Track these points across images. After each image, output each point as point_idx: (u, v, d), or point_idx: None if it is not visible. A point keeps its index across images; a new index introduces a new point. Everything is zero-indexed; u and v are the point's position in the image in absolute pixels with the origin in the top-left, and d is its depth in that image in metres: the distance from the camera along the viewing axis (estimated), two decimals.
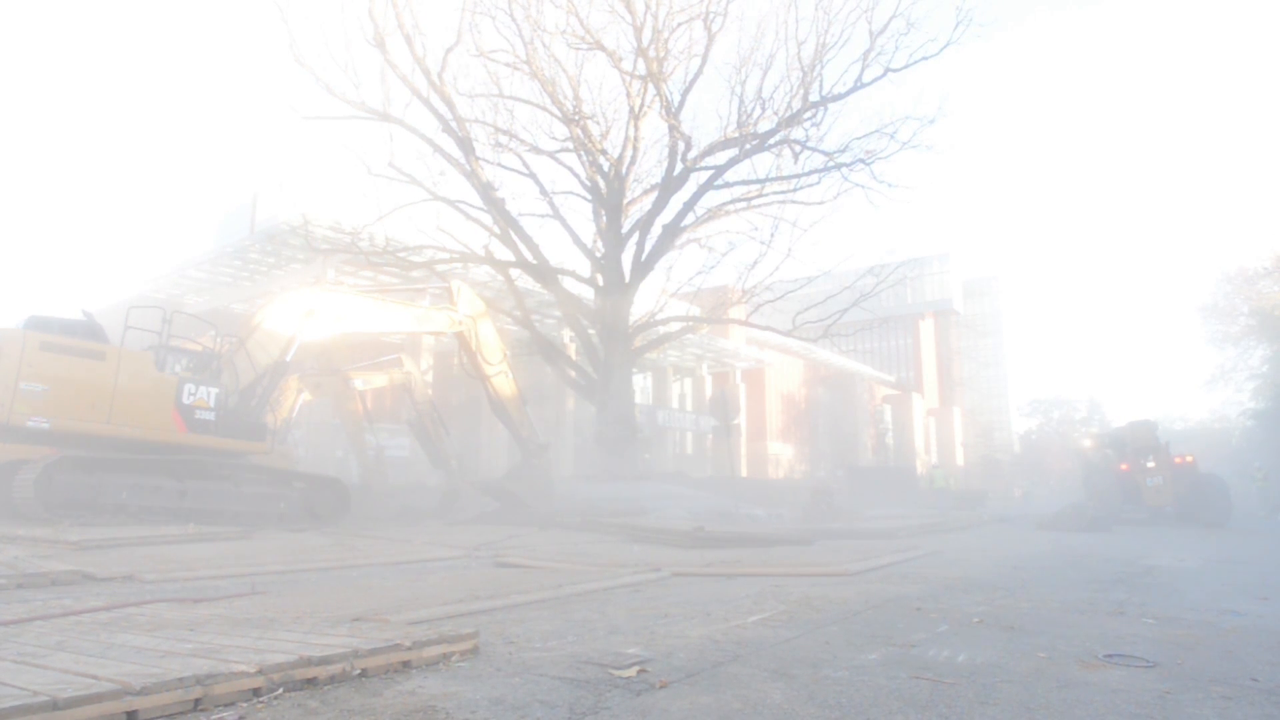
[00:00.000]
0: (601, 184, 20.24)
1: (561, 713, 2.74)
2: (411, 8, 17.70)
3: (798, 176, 20.14)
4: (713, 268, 22.49)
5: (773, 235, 21.24)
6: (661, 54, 18.69)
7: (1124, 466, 20.59)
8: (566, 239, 20.67)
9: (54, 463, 10.16)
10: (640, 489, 16.99)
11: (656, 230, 19.87)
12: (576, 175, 20.78)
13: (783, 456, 36.53)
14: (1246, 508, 24.40)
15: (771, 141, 19.39)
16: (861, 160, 19.04)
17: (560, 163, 20.77)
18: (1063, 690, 3.18)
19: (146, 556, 7.54)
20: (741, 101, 19.31)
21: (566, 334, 24.31)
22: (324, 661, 3.04)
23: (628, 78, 19.46)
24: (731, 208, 20.85)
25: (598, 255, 20.41)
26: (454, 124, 18.54)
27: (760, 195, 20.74)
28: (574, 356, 23.20)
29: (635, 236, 19.99)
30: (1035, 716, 2.82)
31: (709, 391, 31.68)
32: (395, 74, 17.89)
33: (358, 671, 3.13)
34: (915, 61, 18.27)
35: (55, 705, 2.31)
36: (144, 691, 2.51)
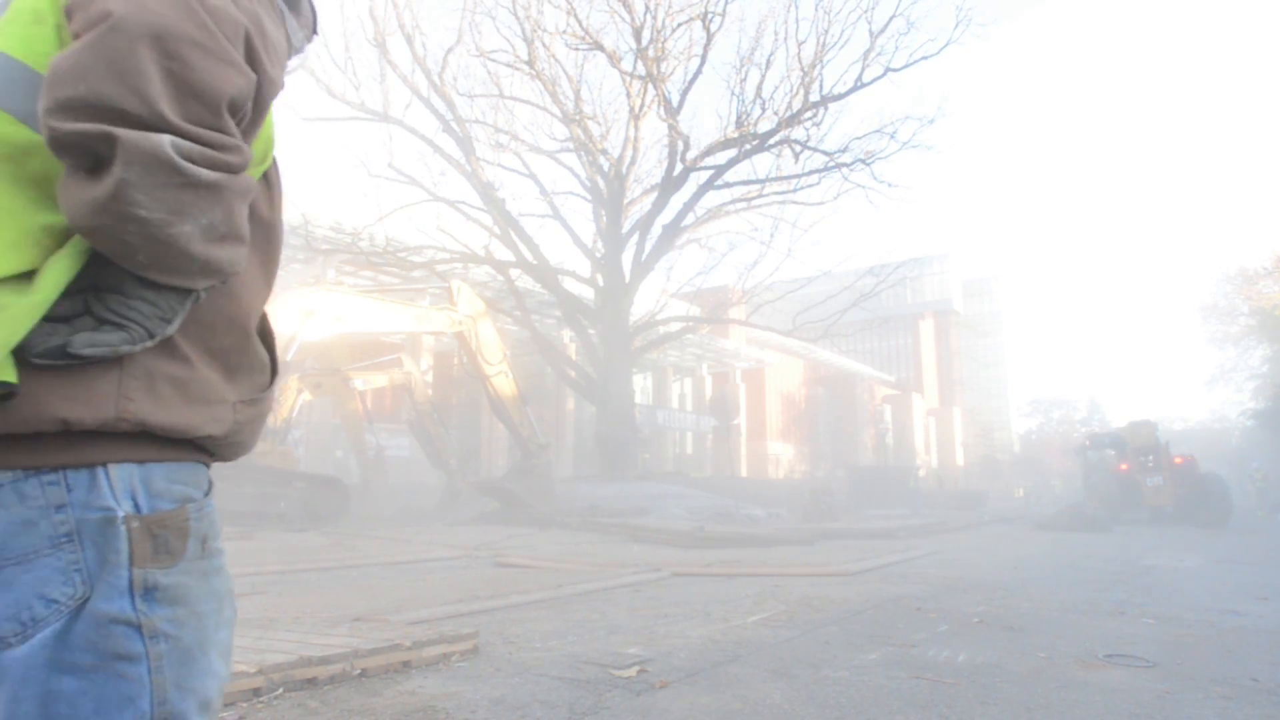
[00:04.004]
0: (601, 184, 20.25)
1: (561, 713, 2.74)
2: (411, 8, 17.74)
3: (798, 176, 20.16)
4: (713, 268, 22.53)
5: (773, 235, 21.28)
6: (660, 54, 18.70)
7: (1124, 466, 20.58)
8: (566, 239, 20.70)
9: None
10: (640, 489, 16.99)
11: (656, 230, 19.88)
12: (576, 175, 20.81)
13: (783, 456, 36.53)
14: (1245, 508, 24.39)
15: (771, 142, 19.39)
16: (861, 160, 19.04)
17: (560, 163, 20.80)
18: (1063, 690, 3.18)
19: None
20: (741, 101, 19.32)
21: (566, 334, 24.32)
22: (324, 661, 3.04)
23: (627, 78, 19.47)
24: (731, 208, 20.87)
25: (598, 255, 20.42)
26: (454, 124, 18.56)
27: (760, 195, 20.75)
28: (574, 356, 23.21)
29: (635, 237, 20.01)
30: (1035, 716, 2.82)
31: (709, 391, 31.68)
32: (395, 74, 17.92)
33: (358, 671, 3.13)
34: (915, 61, 18.28)
35: None
36: None
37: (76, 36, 0.69)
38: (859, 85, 18.54)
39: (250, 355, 0.90)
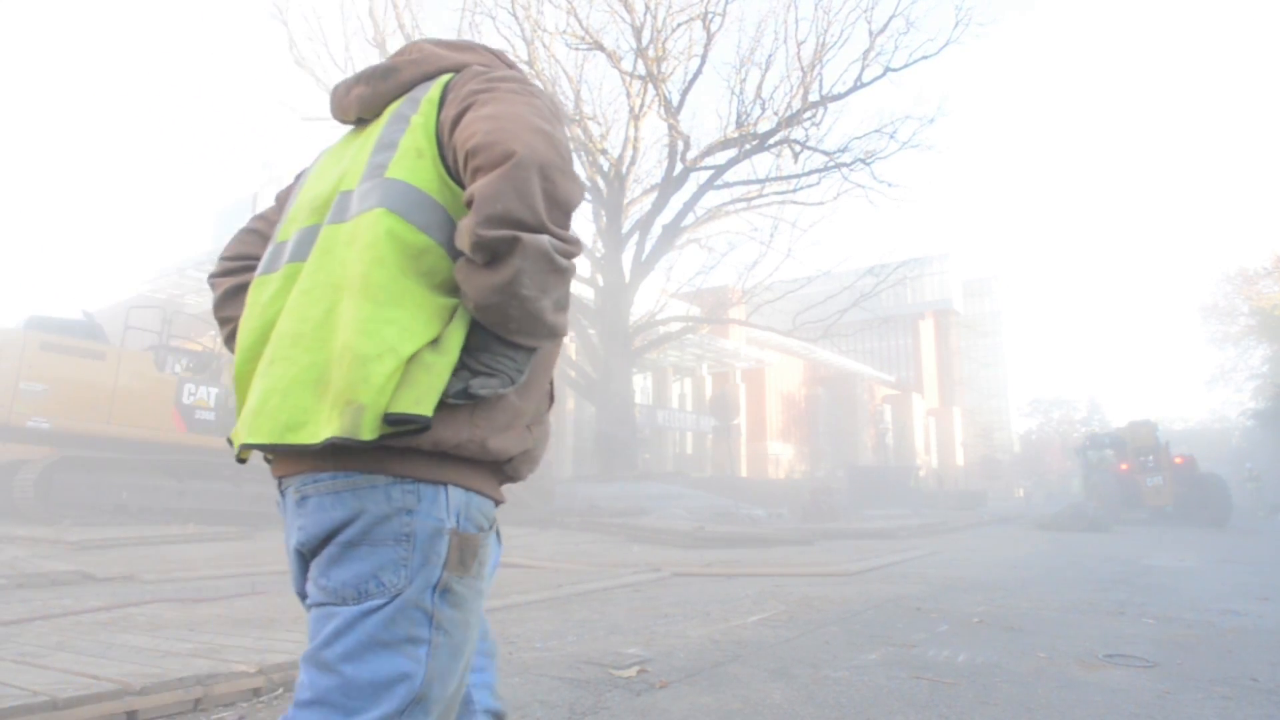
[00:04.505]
0: (601, 184, 20.25)
1: (561, 713, 2.74)
2: (411, 8, 17.74)
3: (798, 176, 20.15)
4: (713, 268, 22.51)
5: (772, 235, 21.29)
6: (661, 54, 18.70)
7: (1124, 466, 20.57)
8: None
9: (54, 463, 10.16)
10: (640, 489, 16.98)
11: (656, 230, 19.88)
12: None
13: (783, 456, 36.52)
14: (1244, 508, 24.39)
15: (771, 141, 19.40)
16: (861, 160, 19.04)
17: None
18: (1063, 690, 3.18)
19: (146, 556, 7.54)
20: (741, 101, 19.33)
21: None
22: None
23: (627, 78, 19.47)
24: (731, 208, 20.87)
25: (598, 255, 20.42)
26: None
27: (760, 195, 20.76)
28: (574, 356, 23.21)
29: (635, 237, 20.01)
30: (1035, 716, 2.82)
31: (709, 391, 31.67)
32: None
33: None
34: (915, 61, 18.29)
35: (55, 705, 2.31)
36: (144, 691, 2.51)
37: (479, 169, 0.97)
38: (859, 85, 18.55)
39: (545, 388, 1.16)
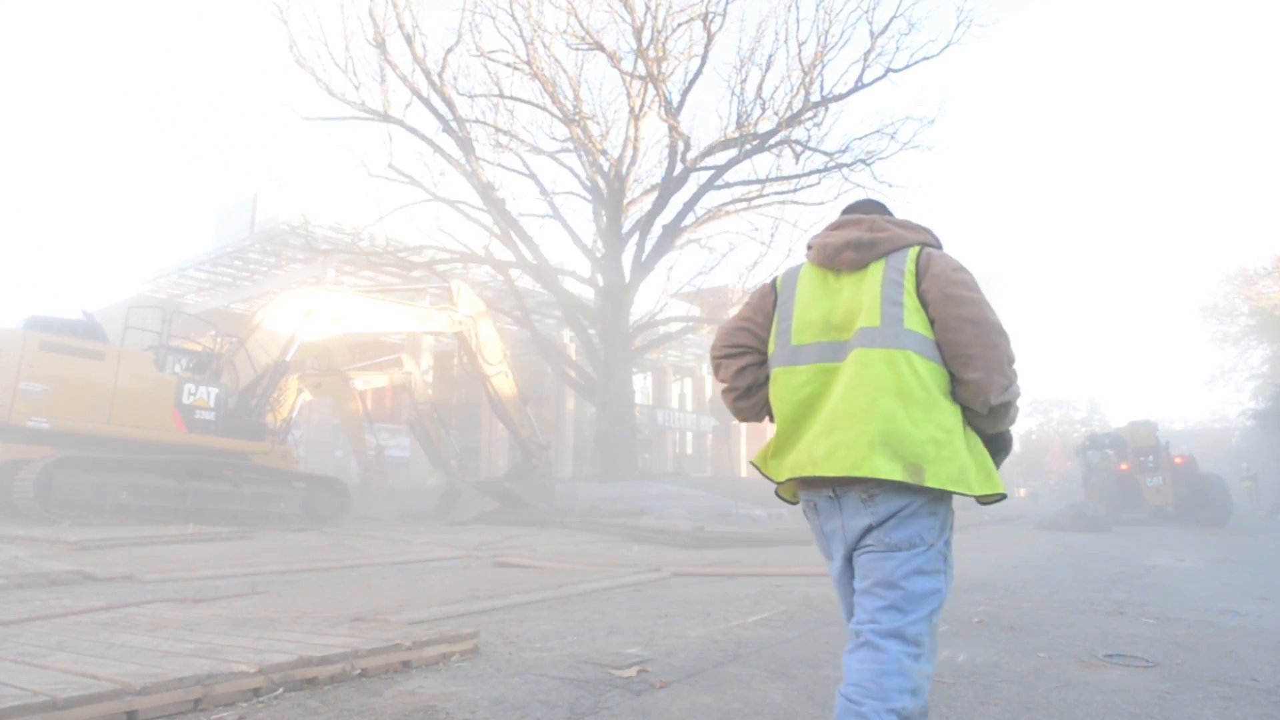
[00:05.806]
0: (601, 184, 20.25)
1: (561, 713, 2.74)
2: (411, 8, 17.72)
3: (798, 177, 20.15)
4: (713, 268, 22.55)
5: (773, 235, 21.32)
6: (661, 54, 18.69)
7: (1124, 466, 20.55)
8: (566, 239, 20.70)
9: (54, 463, 10.16)
10: (640, 489, 16.98)
11: (656, 230, 19.88)
12: (576, 175, 20.81)
13: None
14: (1243, 508, 24.38)
15: (772, 142, 19.39)
16: (862, 160, 19.04)
17: (560, 163, 20.80)
18: (1063, 690, 3.18)
19: (146, 556, 7.54)
20: (741, 102, 19.31)
21: (566, 334, 24.32)
22: (324, 661, 3.04)
23: (627, 78, 19.46)
24: (731, 208, 20.86)
25: (598, 255, 20.42)
26: (454, 124, 18.55)
27: (760, 195, 20.75)
28: (574, 356, 23.21)
29: (635, 237, 20.00)
30: (1035, 716, 2.82)
31: (709, 391, 31.66)
32: (395, 74, 17.90)
33: (358, 671, 3.13)
34: (916, 62, 18.27)
35: (55, 705, 2.30)
36: (144, 691, 2.51)
37: (977, 362, 1.67)
38: (859, 86, 18.54)
39: None
